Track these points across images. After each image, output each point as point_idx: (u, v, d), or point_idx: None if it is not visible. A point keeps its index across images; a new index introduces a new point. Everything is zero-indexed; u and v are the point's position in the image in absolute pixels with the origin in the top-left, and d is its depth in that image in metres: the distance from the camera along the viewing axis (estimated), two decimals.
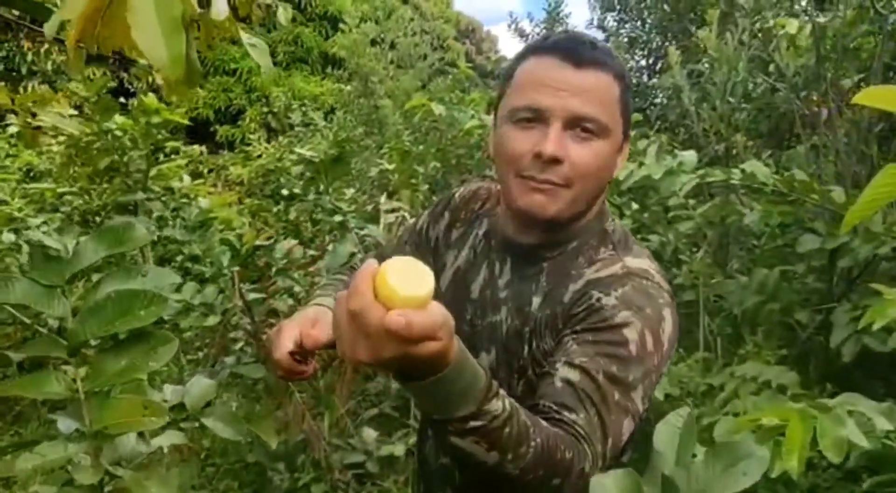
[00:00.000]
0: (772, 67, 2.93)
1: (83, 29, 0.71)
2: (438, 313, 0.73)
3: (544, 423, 0.90)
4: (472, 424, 0.81)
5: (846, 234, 2.36)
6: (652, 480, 0.79)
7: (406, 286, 0.71)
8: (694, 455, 0.84)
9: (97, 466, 0.83)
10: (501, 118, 1.11)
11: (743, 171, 2.37)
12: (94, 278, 0.95)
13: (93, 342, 0.94)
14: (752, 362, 2.47)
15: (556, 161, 1.03)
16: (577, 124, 1.04)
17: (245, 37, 0.94)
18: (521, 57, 1.12)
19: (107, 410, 0.86)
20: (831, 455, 1.29)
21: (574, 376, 0.95)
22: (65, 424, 0.85)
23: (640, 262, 1.10)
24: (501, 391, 0.85)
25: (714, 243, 3.12)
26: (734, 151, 3.04)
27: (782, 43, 2.74)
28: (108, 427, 0.85)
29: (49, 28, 0.74)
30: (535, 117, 1.05)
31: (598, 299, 1.02)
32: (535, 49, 1.11)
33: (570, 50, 1.05)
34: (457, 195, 1.34)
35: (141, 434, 0.96)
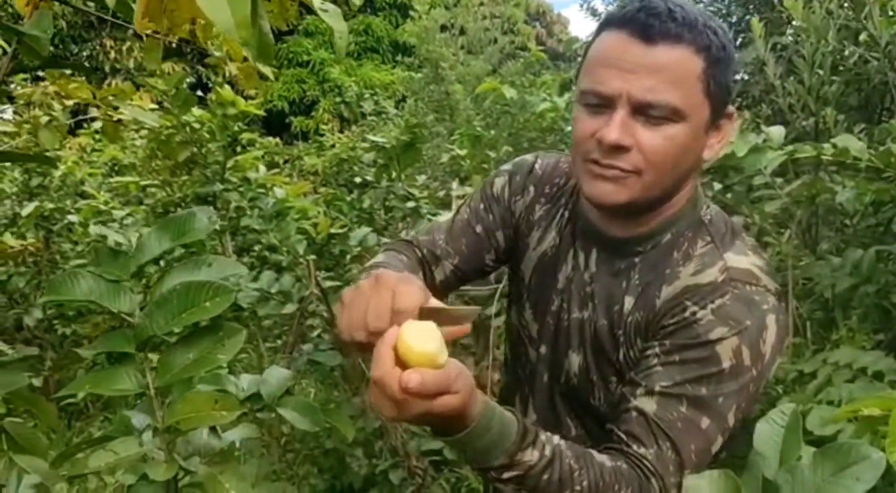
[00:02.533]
0: (863, 36, 2.76)
1: (149, 6, 0.70)
2: (452, 367, 0.78)
3: (605, 457, 0.91)
4: (508, 474, 0.85)
5: None
6: (752, 482, 0.73)
7: (422, 344, 0.76)
8: (799, 457, 0.77)
9: (171, 461, 0.84)
10: (575, 99, 1.05)
11: (835, 146, 2.24)
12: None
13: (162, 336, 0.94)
14: (845, 348, 2.34)
15: (620, 148, 0.96)
16: (645, 110, 0.96)
17: (317, 2, 0.90)
18: (597, 32, 1.05)
19: (178, 404, 0.86)
20: None
21: (650, 406, 0.93)
22: (138, 419, 0.86)
23: (743, 259, 1.01)
24: (542, 437, 0.87)
25: (803, 224, 2.98)
26: (824, 126, 2.89)
27: (875, 9, 2.57)
28: (180, 422, 0.85)
29: (137, 17, 0.73)
30: (602, 103, 0.98)
31: (693, 313, 0.96)
32: (607, 23, 1.03)
33: (642, 23, 0.96)
34: (537, 167, 1.25)
35: (213, 429, 0.96)
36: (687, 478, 0.85)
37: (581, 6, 5.20)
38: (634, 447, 0.92)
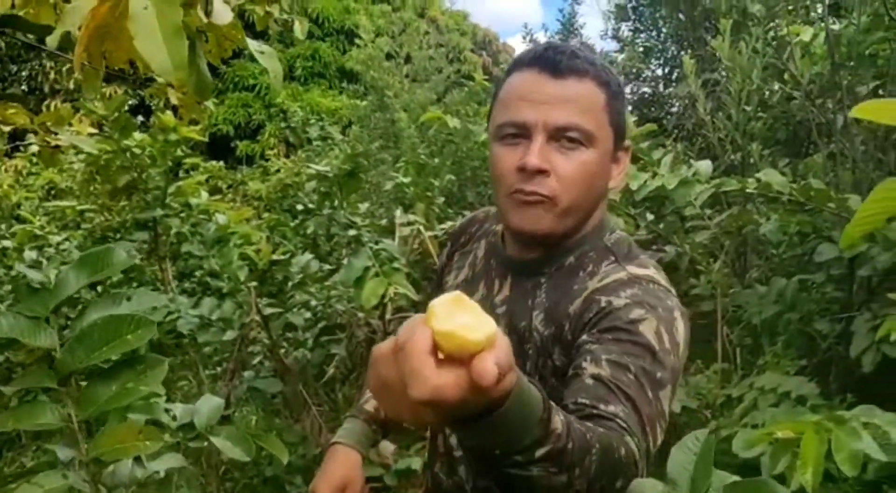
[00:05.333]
0: (786, 75, 2.91)
1: (89, 45, 0.72)
2: (499, 335, 0.62)
3: (587, 423, 0.82)
4: (541, 451, 0.70)
5: (864, 242, 2.33)
6: None
7: (471, 329, 0.60)
8: (709, 486, 0.80)
9: None
10: (490, 137, 1.11)
11: (758, 180, 2.35)
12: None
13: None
14: (770, 373, 2.44)
15: (540, 173, 1.02)
16: (560, 135, 1.03)
17: (253, 44, 0.94)
18: (508, 72, 1.12)
19: (101, 437, 0.86)
20: (847, 469, 1.28)
21: (604, 370, 0.90)
22: (62, 452, 0.86)
23: (645, 270, 1.07)
24: (552, 403, 0.74)
25: (732, 253, 3.10)
26: (750, 160, 3.02)
27: (796, 51, 2.72)
28: (104, 454, 0.85)
29: (51, 40, 0.75)
30: (519, 133, 1.04)
31: (609, 302, 1.00)
32: (517, 63, 1.10)
33: (549, 60, 1.04)
34: (458, 225, 1.36)
35: (139, 459, 0.96)
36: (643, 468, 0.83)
37: (524, 38, 5.31)
38: (602, 406, 0.87)
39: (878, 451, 1.33)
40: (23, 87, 11.14)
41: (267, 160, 8.05)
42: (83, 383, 0.90)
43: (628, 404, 0.88)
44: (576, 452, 0.74)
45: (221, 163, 7.50)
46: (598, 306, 1.00)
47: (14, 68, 11.42)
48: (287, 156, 8.73)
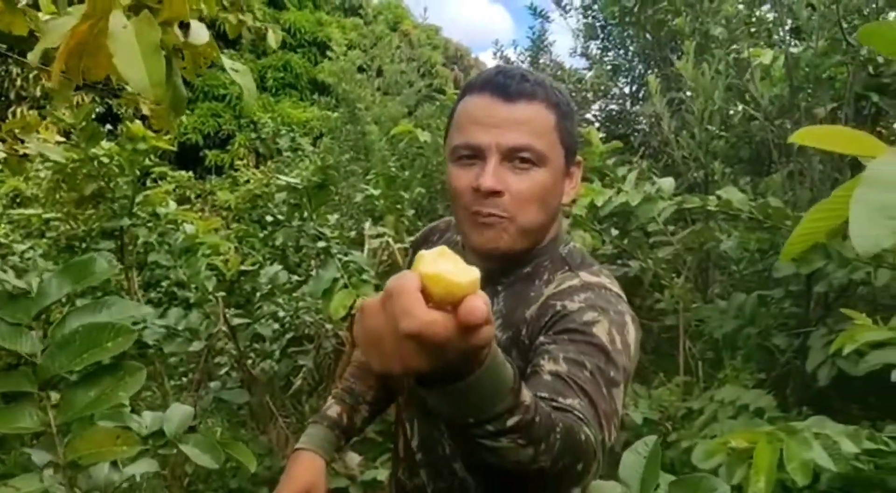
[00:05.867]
0: (747, 96, 2.99)
1: (68, 61, 0.74)
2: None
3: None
4: (511, 420, 0.73)
5: (821, 259, 2.40)
6: None
7: (460, 275, 0.64)
8: (657, 486, 0.86)
9: None
10: (447, 158, 1.17)
11: (719, 197, 2.42)
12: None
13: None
14: (730, 386, 2.50)
15: (494, 193, 1.08)
16: (513, 156, 1.08)
17: (227, 62, 0.97)
18: (460, 97, 1.18)
19: (79, 441, 0.88)
20: (798, 478, 1.32)
21: (562, 367, 0.94)
22: (38, 456, 0.87)
23: (597, 278, 1.13)
24: (522, 382, 0.77)
25: (694, 269, 3.17)
26: (713, 178, 3.10)
27: (757, 73, 2.81)
28: (81, 458, 0.87)
29: (32, 57, 0.77)
30: (474, 154, 1.10)
31: (564, 306, 1.05)
32: (469, 87, 1.16)
33: (500, 85, 1.10)
34: (420, 234, 1.42)
35: (114, 463, 0.98)
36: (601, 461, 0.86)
37: (494, 55, 5.37)
38: (560, 399, 0.90)
39: (828, 461, 1.38)
40: None
41: (236, 170, 8.01)
42: (60, 389, 0.91)
43: (585, 398, 0.91)
44: (542, 427, 0.77)
45: (190, 172, 7.46)
46: (553, 310, 1.05)
47: None
48: (257, 166, 8.71)
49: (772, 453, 1.33)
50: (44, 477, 0.86)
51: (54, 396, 0.90)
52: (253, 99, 0.84)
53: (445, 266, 0.65)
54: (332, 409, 1.43)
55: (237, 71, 0.82)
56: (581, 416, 0.87)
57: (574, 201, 2.19)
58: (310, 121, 10.72)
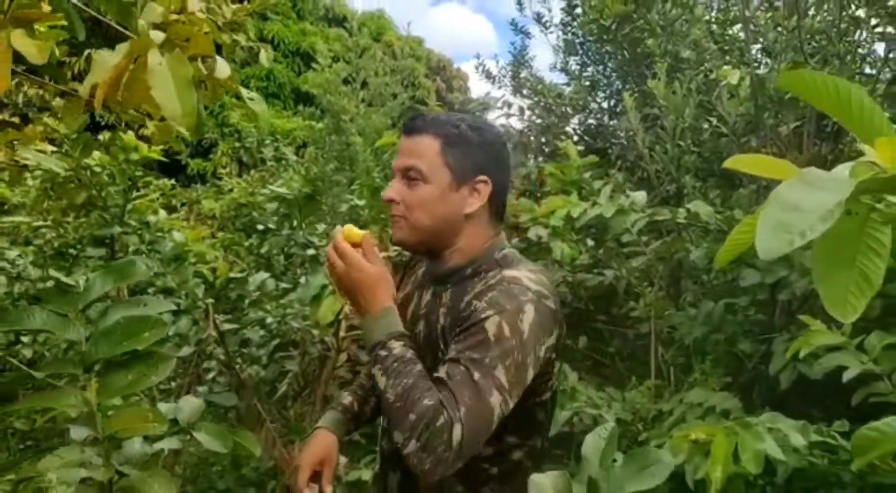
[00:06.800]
0: (716, 114, 3.14)
1: (108, 92, 0.85)
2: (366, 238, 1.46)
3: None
4: (379, 352, 1.31)
5: (784, 269, 2.55)
6: (580, 480, 0.95)
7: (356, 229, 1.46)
8: (614, 461, 1.00)
9: (108, 466, 0.97)
10: None
11: (688, 210, 2.56)
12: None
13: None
14: (699, 389, 2.63)
15: (391, 201, 1.47)
16: (406, 174, 1.46)
17: (244, 91, 1.09)
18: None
19: (116, 418, 1.00)
20: (751, 466, 1.45)
21: (442, 371, 1.30)
22: (77, 432, 0.99)
23: (516, 273, 1.42)
24: (411, 346, 1.34)
25: (667, 278, 3.30)
26: (685, 192, 3.24)
27: (724, 92, 2.96)
28: (118, 433, 0.99)
29: (83, 90, 0.88)
30: (393, 174, 1.50)
31: (475, 307, 1.36)
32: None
33: (407, 125, 1.50)
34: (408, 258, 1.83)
35: (145, 439, 1.11)
36: (456, 431, 1.23)
37: (476, 68, 5.50)
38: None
39: (779, 452, 1.51)
40: None
41: (220, 179, 8.08)
42: (99, 373, 1.03)
43: (450, 392, 1.26)
44: (397, 371, 1.28)
45: (173, 181, 7.51)
46: (469, 309, 1.38)
47: None
48: (240, 175, 8.78)
49: (728, 445, 1.46)
50: (84, 450, 0.97)
51: (94, 379, 1.02)
52: (266, 124, 0.96)
53: (358, 230, 1.46)
54: (346, 398, 1.76)
55: (253, 99, 0.94)
56: (444, 403, 1.25)
57: (547, 213, 2.37)
58: (293, 130, 10.81)
